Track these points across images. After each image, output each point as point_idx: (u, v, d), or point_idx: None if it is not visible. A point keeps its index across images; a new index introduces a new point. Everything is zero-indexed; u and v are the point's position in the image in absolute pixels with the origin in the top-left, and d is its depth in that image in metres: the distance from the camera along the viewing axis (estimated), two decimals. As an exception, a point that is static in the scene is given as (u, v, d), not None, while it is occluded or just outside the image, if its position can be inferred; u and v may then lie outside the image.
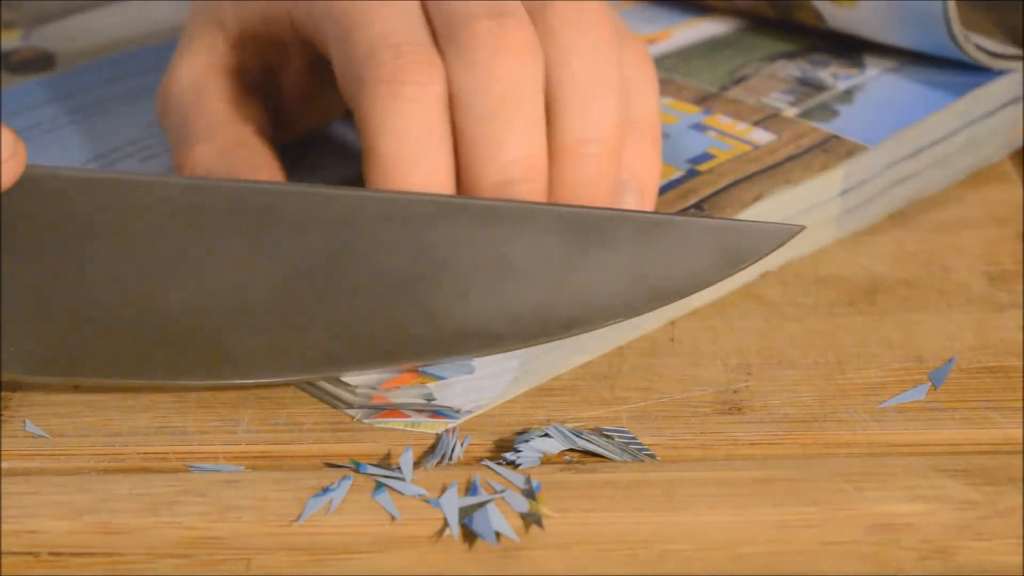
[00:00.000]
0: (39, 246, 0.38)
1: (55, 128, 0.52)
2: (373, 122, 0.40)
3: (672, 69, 0.54)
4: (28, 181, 0.38)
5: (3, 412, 0.41)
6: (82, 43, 0.60)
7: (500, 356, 0.41)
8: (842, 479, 0.38)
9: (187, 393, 0.42)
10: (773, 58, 0.55)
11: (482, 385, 0.41)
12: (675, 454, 0.40)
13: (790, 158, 0.48)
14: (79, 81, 0.56)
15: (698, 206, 0.46)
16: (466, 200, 0.39)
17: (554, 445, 0.40)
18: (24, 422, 0.41)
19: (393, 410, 0.41)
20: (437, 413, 0.41)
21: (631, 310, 0.40)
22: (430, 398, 0.41)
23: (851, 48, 0.55)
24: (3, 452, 0.40)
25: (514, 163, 0.40)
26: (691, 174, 0.47)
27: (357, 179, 0.42)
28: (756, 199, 0.46)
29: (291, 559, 0.37)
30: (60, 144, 0.51)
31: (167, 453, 0.40)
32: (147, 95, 0.54)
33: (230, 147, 0.44)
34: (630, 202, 0.43)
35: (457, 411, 0.41)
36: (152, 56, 0.57)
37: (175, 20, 0.62)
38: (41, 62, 0.59)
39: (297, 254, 0.39)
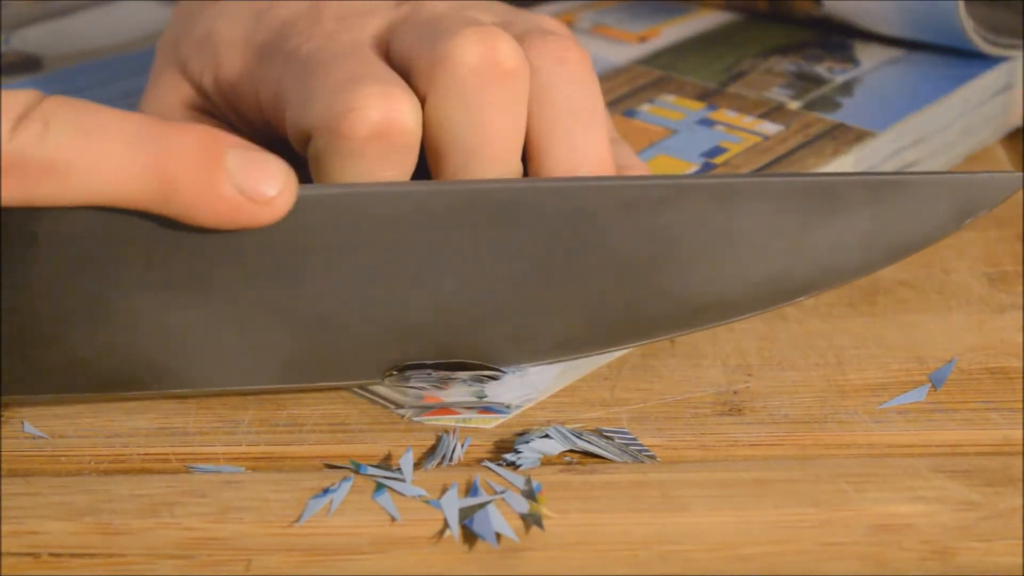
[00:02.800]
0: (295, 260, 0.39)
1: None
2: (333, 170, 0.40)
3: (668, 66, 0.55)
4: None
5: (3, 413, 0.41)
6: (67, 47, 0.60)
7: None
8: (842, 480, 0.38)
9: (187, 393, 0.42)
10: (766, 53, 0.56)
11: (531, 380, 0.41)
12: (675, 455, 0.40)
13: (801, 146, 0.49)
14: (70, 83, 0.56)
15: None
16: (698, 180, 0.40)
17: (554, 446, 0.40)
18: (23, 423, 0.41)
19: (444, 408, 0.41)
20: (488, 409, 0.41)
21: (867, 268, 0.41)
22: (481, 395, 0.41)
23: (842, 42, 0.57)
24: (3, 453, 0.40)
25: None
26: (706, 167, 0.48)
27: None
28: None
29: (291, 560, 0.37)
30: None
31: (168, 454, 0.40)
32: (139, 98, 0.54)
33: None
34: None
35: (507, 406, 0.41)
36: (140, 60, 0.57)
37: (158, 26, 0.62)
38: (27, 65, 0.59)
39: (535, 247, 0.39)
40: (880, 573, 0.36)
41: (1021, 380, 0.43)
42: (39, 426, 0.41)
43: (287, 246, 0.38)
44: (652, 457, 0.40)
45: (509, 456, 0.40)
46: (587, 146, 0.41)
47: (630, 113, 0.52)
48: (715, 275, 0.40)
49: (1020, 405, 0.42)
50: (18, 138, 0.35)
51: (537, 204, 0.39)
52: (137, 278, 0.38)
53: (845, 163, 0.49)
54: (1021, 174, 0.41)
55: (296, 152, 0.42)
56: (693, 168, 0.48)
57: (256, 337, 0.39)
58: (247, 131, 0.45)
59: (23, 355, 0.39)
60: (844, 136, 0.50)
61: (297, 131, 0.41)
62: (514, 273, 0.40)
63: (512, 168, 0.41)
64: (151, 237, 0.37)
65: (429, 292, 0.39)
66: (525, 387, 0.41)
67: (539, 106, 0.41)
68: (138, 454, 0.40)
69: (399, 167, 0.40)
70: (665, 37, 0.58)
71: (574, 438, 0.40)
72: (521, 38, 0.42)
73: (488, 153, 0.40)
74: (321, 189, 0.39)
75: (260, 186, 0.37)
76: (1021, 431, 0.41)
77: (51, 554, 0.37)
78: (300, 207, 0.38)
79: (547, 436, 0.40)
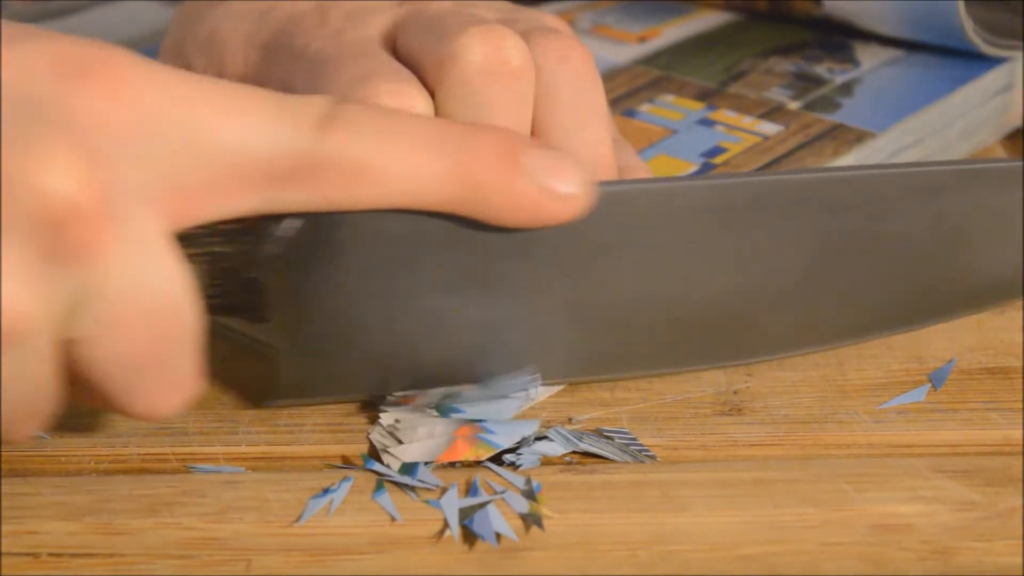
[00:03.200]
0: (588, 256, 0.39)
1: None
2: None
3: (668, 66, 0.55)
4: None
5: (3, 413, 0.42)
6: None
7: None
8: (842, 480, 0.38)
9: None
10: (766, 54, 0.56)
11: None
12: (675, 455, 0.40)
13: (801, 146, 0.49)
14: None
15: None
16: (985, 164, 0.41)
17: (555, 448, 0.40)
18: (24, 423, 0.41)
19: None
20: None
21: None
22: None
23: (841, 43, 0.57)
24: (3, 453, 0.40)
25: None
26: (706, 167, 0.48)
27: None
28: None
29: (291, 560, 0.37)
30: None
31: (167, 454, 0.40)
32: None
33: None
34: None
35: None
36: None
37: (156, 27, 0.62)
38: None
39: (820, 236, 0.40)
40: (880, 573, 0.36)
41: (1021, 380, 0.43)
42: (39, 426, 0.41)
43: (581, 242, 0.39)
44: (652, 457, 0.40)
45: (509, 456, 0.40)
46: (589, 145, 0.42)
47: (630, 113, 0.52)
48: (998, 257, 0.41)
49: (1020, 405, 0.42)
50: (328, 141, 0.36)
51: (827, 194, 0.40)
52: (434, 278, 0.39)
53: (845, 163, 0.49)
54: None
55: None
56: (693, 168, 0.48)
57: (547, 333, 0.40)
58: None
59: (320, 359, 0.39)
60: (844, 136, 0.50)
61: None
62: (803, 262, 0.40)
63: None
64: (449, 237, 0.38)
65: (721, 283, 0.40)
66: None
67: (542, 104, 0.41)
68: (138, 454, 0.40)
69: None
70: (665, 37, 0.58)
71: (575, 439, 0.40)
72: (524, 36, 0.42)
73: None
74: (616, 185, 0.39)
75: (560, 184, 0.37)
76: (1021, 431, 0.41)
77: (51, 554, 0.37)
78: (595, 203, 0.38)
79: (547, 438, 0.40)
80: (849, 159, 0.49)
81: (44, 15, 0.63)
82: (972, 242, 0.41)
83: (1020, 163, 0.41)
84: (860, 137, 0.49)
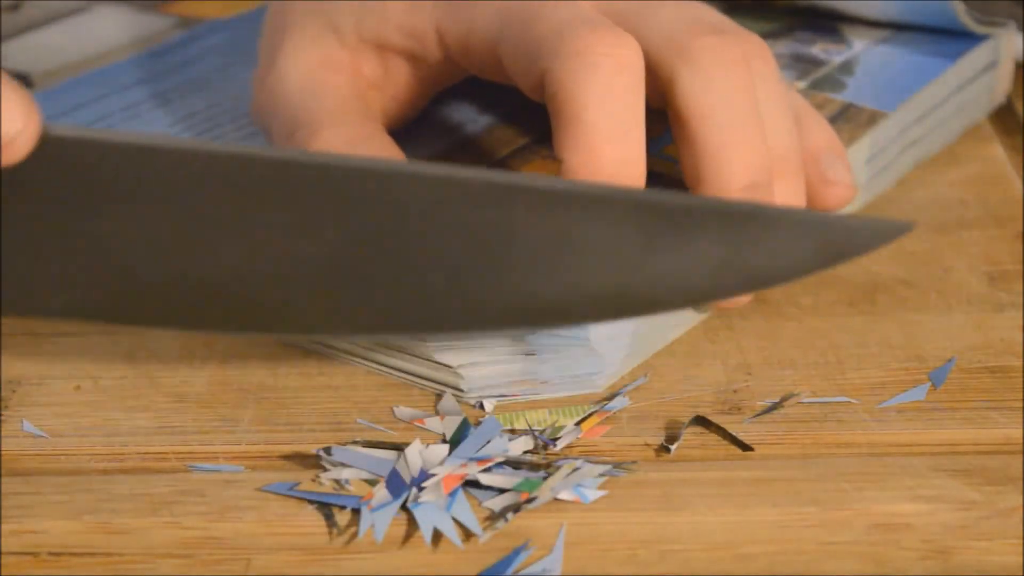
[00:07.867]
0: (73, 205, 0.38)
1: None
2: (578, 91, 0.40)
3: None
4: (54, 142, 0.37)
5: (2, 412, 0.42)
6: (49, 63, 0.60)
7: (614, 334, 0.42)
8: (842, 479, 0.39)
9: (187, 393, 0.42)
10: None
11: (602, 353, 0.42)
12: (675, 454, 0.40)
13: None
14: (67, 100, 0.55)
15: None
16: (527, 182, 0.38)
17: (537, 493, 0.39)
18: (22, 422, 0.41)
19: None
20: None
21: (717, 295, 0.39)
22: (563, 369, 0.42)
23: (828, 24, 0.57)
24: (3, 453, 0.40)
25: (760, 168, 0.42)
26: None
27: (447, 154, 0.42)
28: None
29: (291, 560, 0.37)
30: None
31: (167, 453, 0.40)
32: (146, 109, 0.53)
33: (359, 138, 0.44)
34: None
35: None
36: (130, 71, 0.57)
37: (133, 34, 0.62)
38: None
39: (347, 228, 0.38)
40: (880, 573, 0.36)
41: (1021, 379, 0.43)
42: (39, 425, 0.41)
43: (78, 187, 0.37)
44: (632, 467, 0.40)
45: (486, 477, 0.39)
46: (788, 138, 0.43)
47: None
48: (541, 279, 0.38)
49: (1020, 404, 0.42)
50: None
51: (348, 186, 0.37)
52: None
53: (863, 144, 0.49)
54: (907, 222, 0.39)
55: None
56: None
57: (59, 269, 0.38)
58: (394, 80, 0.47)
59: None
60: (857, 118, 0.50)
61: (530, 72, 0.42)
62: (324, 249, 0.38)
63: (766, 146, 0.42)
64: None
65: (231, 253, 0.38)
66: (594, 362, 0.42)
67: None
68: (137, 453, 0.40)
69: (637, 87, 0.41)
70: None
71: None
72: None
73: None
74: (80, 132, 0.37)
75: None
76: (1021, 430, 0.41)
77: (50, 553, 0.37)
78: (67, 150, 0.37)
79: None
80: (866, 140, 0.49)
81: (27, 26, 0.63)
82: (512, 261, 0.38)
83: (571, 186, 0.38)
84: (872, 117, 0.50)
